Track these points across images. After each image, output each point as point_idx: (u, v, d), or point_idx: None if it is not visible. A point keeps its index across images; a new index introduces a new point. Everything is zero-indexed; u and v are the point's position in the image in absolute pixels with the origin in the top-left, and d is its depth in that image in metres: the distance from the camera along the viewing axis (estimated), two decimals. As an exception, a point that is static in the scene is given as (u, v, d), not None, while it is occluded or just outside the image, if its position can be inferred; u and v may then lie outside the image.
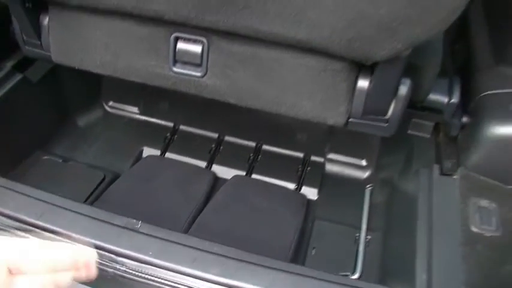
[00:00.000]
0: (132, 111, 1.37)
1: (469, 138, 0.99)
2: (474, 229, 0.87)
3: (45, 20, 0.95)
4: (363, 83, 0.85)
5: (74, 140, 1.29)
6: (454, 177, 0.97)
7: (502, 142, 0.93)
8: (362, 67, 0.84)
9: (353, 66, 0.84)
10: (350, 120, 0.90)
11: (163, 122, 1.34)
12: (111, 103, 1.37)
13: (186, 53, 0.88)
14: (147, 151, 1.29)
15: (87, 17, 0.90)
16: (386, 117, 0.88)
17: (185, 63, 0.90)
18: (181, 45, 0.88)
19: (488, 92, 0.98)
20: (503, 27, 1.05)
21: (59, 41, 0.96)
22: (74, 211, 0.84)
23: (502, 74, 1.00)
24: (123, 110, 1.37)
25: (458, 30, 1.25)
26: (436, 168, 1.00)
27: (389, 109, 0.88)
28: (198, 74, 0.90)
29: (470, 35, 1.18)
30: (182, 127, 1.34)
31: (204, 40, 0.87)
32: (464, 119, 1.02)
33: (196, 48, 0.88)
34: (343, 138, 1.29)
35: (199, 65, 0.89)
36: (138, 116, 1.36)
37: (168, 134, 1.32)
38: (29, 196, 0.85)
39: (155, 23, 0.86)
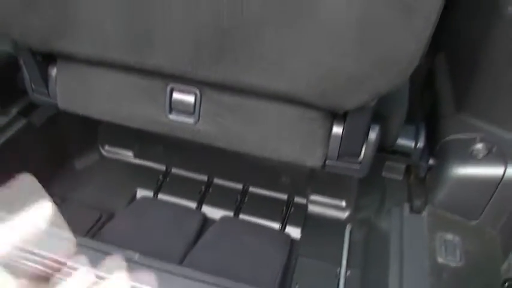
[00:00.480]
0: (126, 155, 1.48)
1: (435, 178, 1.12)
2: (440, 260, 0.98)
3: (53, 71, 1.08)
4: (337, 130, 0.98)
5: (72, 181, 1.39)
6: (423, 214, 1.09)
7: (463, 182, 1.06)
8: (336, 115, 0.98)
9: (328, 115, 0.98)
10: (327, 162, 1.02)
11: (156, 165, 1.46)
12: (107, 147, 1.49)
13: (181, 102, 1.02)
14: (141, 192, 1.40)
15: (93, 69, 1.04)
16: (359, 159, 1.01)
17: (180, 111, 1.03)
18: (176, 96, 1.01)
19: (451, 137, 1.12)
20: (463, 79, 1.21)
21: (65, 90, 1.09)
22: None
23: (463, 121, 1.14)
24: (118, 153, 1.49)
25: (426, 81, 1.42)
26: (406, 206, 1.13)
27: (361, 152, 1.01)
28: (191, 121, 1.03)
29: (436, 86, 1.33)
30: (174, 170, 1.45)
31: (197, 91, 1.00)
32: (431, 162, 1.16)
33: (190, 99, 1.01)
34: (324, 181, 1.41)
35: (192, 113, 1.02)
36: (132, 160, 1.48)
37: (161, 177, 1.44)
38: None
39: (154, 75, 1.00)
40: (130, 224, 1.28)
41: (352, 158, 1.02)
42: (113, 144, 1.49)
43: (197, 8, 0.82)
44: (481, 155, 1.05)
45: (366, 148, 1.01)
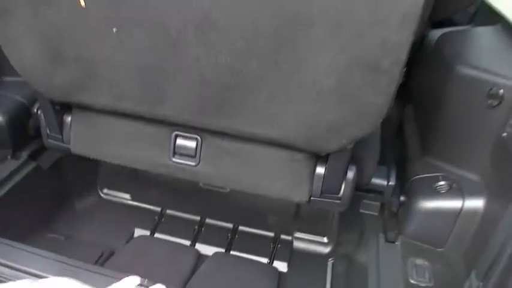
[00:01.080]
0: (124, 197, 1.64)
1: (406, 212, 1.31)
2: (412, 282, 1.16)
3: (68, 119, 1.25)
4: (320, 170, 1.17)
5: (73, 221, 1.53)
6: (396, 243, 1.27)
7: (429, 214, 1.25)
8: (319, 157, 1.17)
9: (312, 157, 1.17)
10: (311, 198, 1.20)
11: (151, 207, 1.61)
12: (105, 190, 1.64)
13: (184, 147, 1.19)
14: (138, 232, 1.55)
15: (105, 118, 1.21)
16: (339, 195, 1.20)
17: (182, 155, 1.20)
18: (180, 141, 1.19)
19: (418, 176, 1.33)
20: (427, 127, 1.43)
21: (79, 136, 1.25)
22: (85, 269, 1.08)
23: (427, 162, 1.35)
24: (116, 196, 1.64)
25: (397, 129, 1.64)
26: (381, 237, 1.31)
27: (341, 189, 1.20)
28: (193, 164, 1.20)
29: (405, 133, 1.55)
30: (168, 211, 1.61)
31: (198, 137, 1.18)
32: (402, 198, 1.35)
33: (192, 144, 1.19)
34: (307, 220, 1.58)
35: (193, 157, 1.20)
36: (129, 202, 1.63)
37: (156, 217, 1.59)
38: (45, 257, 1.10)
39: (160, 123, 1.17)
40: (130, 260, 1.41)
41: (333, 194, 1.20)
42: (112, 187, 1.64)
43: (203, 67, 1.02)
44: (443, 191, 1.25)
45: (345, 186, 1.19)
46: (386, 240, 1.30)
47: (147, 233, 1.54)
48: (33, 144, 1.44)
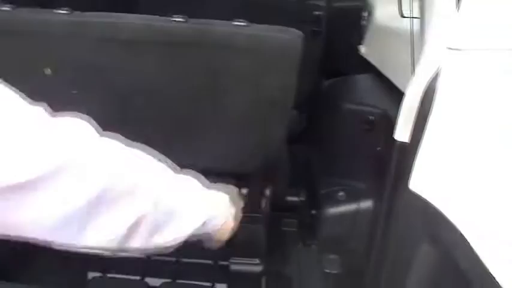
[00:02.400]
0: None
1: (317, 221, 1.70)
2: (326, 271, 1.52)
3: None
4: (243, 191, 1.53)
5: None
6: (312, 246, 1.64)
7: (335, 220, 1.65)
8: (241, 181, 1.53)
9: (235, 181, 1.52)
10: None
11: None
12: (57, 243, 1.88)
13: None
14: (92, 274, 1.79)
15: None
16: (261, 210, 1.56)
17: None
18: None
19: (322, 191, 1.73)
20: (325, 154, 1.86)
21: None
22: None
23: (329, 181, 1.77)
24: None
25: (305, 162, 2.06)
26: (300, 244, 1.67)
27: (261, 206, 1.56)
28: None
29: (311, 162, 1.97)
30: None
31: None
32: (313, 211, 1.74)
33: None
34: (240, 245, 1.90)
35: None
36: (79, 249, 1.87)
37: (106, 260, 1.84)
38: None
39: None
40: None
41: (257, 210, 1.56)
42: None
43: (149, 119, 1.37)
44: (343, 199, 1.66)
45: (264, 202, 1.56)
46: (304, 246, 1.67)
47: (100, 274, 1.79)
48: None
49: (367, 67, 2.06)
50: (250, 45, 1.26)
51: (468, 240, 0.77)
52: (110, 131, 1.47)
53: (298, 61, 1.27)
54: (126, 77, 1.30)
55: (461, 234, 0.79)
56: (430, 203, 0.89)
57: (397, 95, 1.52)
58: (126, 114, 1.36)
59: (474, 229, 0.78)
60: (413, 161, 1.02)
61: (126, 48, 1.28)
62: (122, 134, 1.47)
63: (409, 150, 1.09)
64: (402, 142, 1.14)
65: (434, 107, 1.01)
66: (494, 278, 0.69)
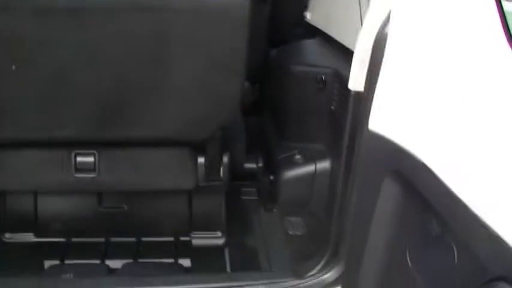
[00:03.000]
0: (28, 237, 1.81)
1: (276, 186, 1.71)
2: (290, 233, 1.54)
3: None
4: (201, 159, 1.52)
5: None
6: (274, 210, 1.66)
7: (293, 182, 1.67)
8: (198, 149, 1.52)
9: (192, 150, 1.52)
10: (199, 184, 1.54)
11: (57, 239, 1.81)
12: (7, 235, 1.81)
13: (84, 163, 1.47)
14: (48, 263, 1.73)
15: (8, 151, 1.44)
16: (220, 177, 1.55)
17: (83, 170, 1.48)
18: (79, 159, 1.47)
19: (280, 157, 1.74)
20: (280, 122, 1.87)
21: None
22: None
23: (285, 145, 1.78)
24: (19, 238, 1.81)
25: (259, 131, 2.07)
26: (261, 210, 1.68)
27: (220, 173, 1.55)
28: (94, 176, 1.48)
29: (265, 131, 1.99)
30: (74, 239, 1.82)
31: (95, 152, 1.47)
32: (271, 177, 1.75)
33: (90, 159, 1.47)
34: (200, 220, 1.90)
35: (93, 170, 1.48)
36: (34, 239, 1.81)
37: (63, 247, 1.79)
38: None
39: (60, 146, 1.45)
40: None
41: (215, 177, 1.55)
42: (14, 230, 1.82)
43: (94, 90, 1.33)
44: (300, 162, 1.67)
45: (223, 169, 1.55)
46: (266, 211, 1.68)
47: (57, 262, 1.74)
48: None
49: (313, 33, 2.09)
50: (195, 6, 1.24)
51: (429, 167, 0.79)
52: (54, 106, 1.43)
53: (246, 22, 1.27)
54: (68, 48, 1.26)
55: (423, 164, 0.81)
56: (390, 139, 0.91)
57: (346, 54, 1.55)
58: (71, 88, 1.32)
59: (434, 157, 0.81)
60: (369, 106, 1.05)
61: (64, 18, 1.24)
62: (67, 109, 1.43)
63: (364, 97, 1.11)
64: (356, 92, 1.17)
65: (387, 50, 1.03)
66: (456, 195, 0.72)
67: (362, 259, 1.12)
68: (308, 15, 2.18)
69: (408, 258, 0.93)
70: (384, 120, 0.97)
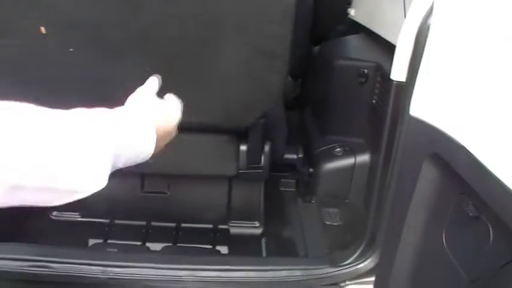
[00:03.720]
0: (74, 216, 1.92)
1: (315, 178, 1.76)
2: (327, 223, 1.58)
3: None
4: (243, 147, 1.59)
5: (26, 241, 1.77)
6: (312, 202, 1.70)
7: (332, 174, 1.71)
8: (240, 137, 1.58)
9: (235, 137, 1.58)
10: (240, 171, 1.60)
11: (101, 220, 1.91)
12: (55, 213, 1.92)
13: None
14: (92, 241, 1.83)
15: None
16: (261, 166, 1.61)
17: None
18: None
19: (319, 150, 1.79)
20: (321, 116, 1.92)
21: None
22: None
23: (325, 138, 1.83)
24: (66, 216, 1.91)
25: (300, 125, 2.12)
26: (299, 201, 1.73)
27: (261, 161, 1.61)
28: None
29: (306, 124, 2.03)
30: (117, 221, 1.91)
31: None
32: (311, 170, 1.80)
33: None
34: (239, 209, 1.97)
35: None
36: (80, 219, 1.91)
37: (107, 228, 1.88)
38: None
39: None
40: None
41: (256, 166, 1.61)
42: (61, 209, 1.92)
43: (142, 72, 1.41)
44: (339, 154, 1.72)
45: (264, 157, 1.61)
46: (304, 202, 1.73)
47: (101, 241, 1.83)
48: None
49: (356, 30, 2.13)
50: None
51: (468, 149, 0.83)
52: (103, 87, 1.51)
53: (293, 9, 1.32)
54: (122, 32, 1.34)
55: (462, 146, 0.85)
56: (430, 124, 0.95)
57: (389, 49, 1.59)
58: (123, 69, 1.40)
59: (473, 140, 0.85)
60: (410, 94, 1.08)
61: (122, 2, 1.32)
62: (115, 90, 1.51)
63: (406, 87, 1.15)
64: (398, 82, 1.21)
65: (429, 40, 1.07)
66: (494, 176, 0.76)
67: (398, 245, 1.15)
68: (352, 12, 2.22)
69: (444, 241, 0.97)
70: (425, 106, 1.01)
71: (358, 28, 2.10)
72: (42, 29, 1.35)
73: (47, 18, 1.35)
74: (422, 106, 1.01)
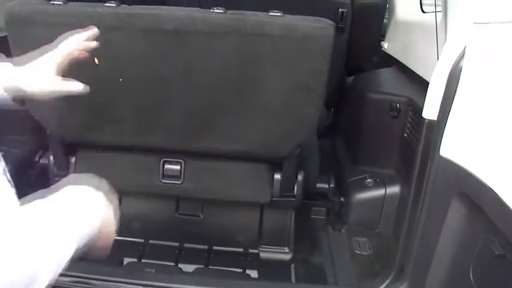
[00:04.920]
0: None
1: (346, 207, 1.83)
2: (357, 252, 1.65)
3: (73, 159, 1.68)
4: (277, 176, 1.67)
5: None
6: (342, 231, 1.77)
7: (363, 204, 1.78)
8: (275, 166, 1.67)
9: (269, 166, 1.67)
10: (273, 199, 1.69)
11: (136, 240, 2.01)
12: (93, 231, 2.02)
13: (171, 170, 1.66)
14: (127, 260, 1.93)
15: (105, 154, 1.66)
16: (294, 194, 1.69)
17: (169, 176, 1.66)
18: (167, 166, 1.66)
19: (350, 179, 1.86)
20: (352, 147, 1.99)
21: (81, 171, 1.68)
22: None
23: (356, 168, 1.90)
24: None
25: (331, 154, 2.20)
26: (330, 229, 1.80)
27: (294, 189, 1.69)
28: (178, 182, 1.66)
29: (337, 154, 2.11)
30: (151, 241, 2.01)
31: (182, 161, 1.66)
32: (342, 199, 1.87)
33: (177, 167, 1.66)
34: (269, 234, 2.05)
35: (178, 177, 1.66)
36: (116, 237, 2.01)
37: (141, 247, 1.98)
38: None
39: (150, 152, 1.64)
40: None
41: (289, 194, 1.70)
42: (98, 227, 2.03)
43: (187, 102, 1.52)
44: (370, 185, 1.79)
45: (297, 186, 1.69)
46: (334, 230, 1.80)
47: (135, 260, 1.93)
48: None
49: (389, 62, 2.22)
50: (286, 32, 1.40)
51: (495, 191, 0.90)
52: (150, 115, 1.62)
53: (330, 48, 1.41)
54: (168, 65, 1.45)
55: (489, 188, 0.92)
56: (459, 165, 1.02)
57: (421, 84, 1.67)
58: (167, 100, 1.51)
59: (500, 183, 0.92)
60: (441, 134, 1.16)
61: (169, 38, 1.43)
62: (161, 119, 1.62)
63: (437, 126, 1.23)
64: (430, 120, 1.28)
65: (461, 82, 1.15)
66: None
67: (426, 278, 1.22)
68: (385, 45, 2.31)
69: (471, 277, 1.03)
70: (455, 146, 1.08)
71: (390, 60, 2.19)
72: (96, 60, 1.47)
73: (99, 50, 1.47)
74: (453, 147, 1.09)
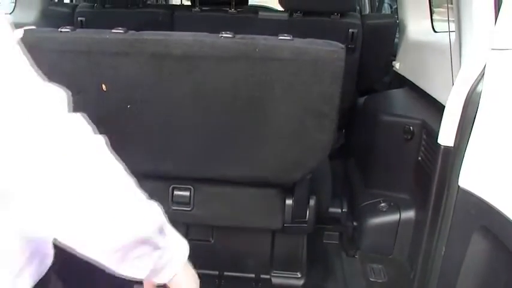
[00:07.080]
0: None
1: (359, 232, 1.77)
2: (371, 279, 1.59)
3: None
4: (289, 201, 1.62)
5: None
6: (355, 257, 1.71)
7: (377, 229, 1.72)
8: (287, 191, 1.62)
9: (281, 191, 1.62)
10: (285, 225, 1.63)
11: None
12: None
13: (180, 197, 1.61)
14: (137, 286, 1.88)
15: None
16: (306, 220, 1.64)
17: (179, 203, 1.62)
18: (176, 193, 1.61)
19: (364, 204, 1.81)
20: (365, 170, 1.94)
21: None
22: None
23: (369, 192, 1.84)
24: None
25: (343, 176, 2.14)
26: (343, 255, 1.74)
27: (306, 215, 1.64)
28: (188, 209, 1.61)
29: (349, 176, 2.05)
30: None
31: (191, 187, 1.61)
32: (355, 223, 1.81)
33: (186, 193, 1.61)
34: (281, 259, 1.99)
35: (188, 204, 1.62)
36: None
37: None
38: None
39: (160, 179, 1.60)
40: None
41: (301, 220, 1.64)
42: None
43: (197, 128, 1.48)
44: (384, 210, 1.73)
45: (309, 212, 1.64)
46: (347, 256, 1.74)
47: None
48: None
49: (401, 82, 2.17)
50: (296, 56, 1.36)
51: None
52: (159, 141, 1.59)
53: (342, 71, 1.37)
54: (177, 90, 1.42)
55: (511, 221, 0.86)
56: (480, 197, 0.97)
57: (434, 106, 1.62)
58: (176, 126, 1.47)
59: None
60: (459, 162, 1.10)
61: (178, 63, 1.40)
62: (170, 145, 1.58)
63: (453, 153, 1.17)
64: (446, 146, 1.23)
65: (480, 108, 1.10)
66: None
67: (446, 312, 1.16)
68: (397, 65, 2.26)
69: (494, 314, 0.97)
70: (475, 177, 1.03)
71: (402, 80, 2.14)
72: (104, 87, 1.44)
73: (107, 77, 1.44)
74: (472, 177, 1.03)
